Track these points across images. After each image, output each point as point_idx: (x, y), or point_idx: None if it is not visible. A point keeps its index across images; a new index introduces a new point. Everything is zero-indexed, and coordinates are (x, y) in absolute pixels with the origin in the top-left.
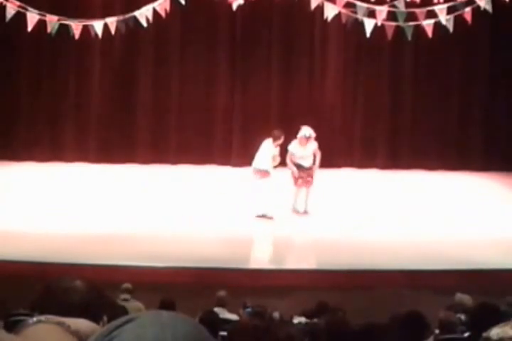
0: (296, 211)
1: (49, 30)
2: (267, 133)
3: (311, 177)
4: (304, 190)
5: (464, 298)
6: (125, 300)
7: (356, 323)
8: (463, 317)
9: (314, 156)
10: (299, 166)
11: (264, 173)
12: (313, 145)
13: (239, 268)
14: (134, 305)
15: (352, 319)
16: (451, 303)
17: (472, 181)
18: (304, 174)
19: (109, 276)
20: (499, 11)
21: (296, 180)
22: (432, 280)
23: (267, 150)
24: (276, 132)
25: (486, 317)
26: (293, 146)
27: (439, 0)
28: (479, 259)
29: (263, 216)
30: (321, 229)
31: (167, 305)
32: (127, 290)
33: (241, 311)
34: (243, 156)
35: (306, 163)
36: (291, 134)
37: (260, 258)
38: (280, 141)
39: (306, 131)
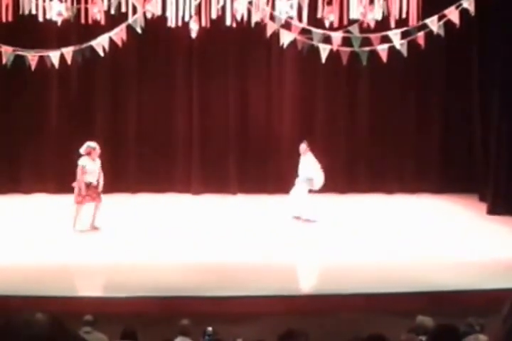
0: None
1: (4, 61)
2: (225, 160)
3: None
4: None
5: (425, 320)
6: (87, 332)
7: None
8: (424, 339)
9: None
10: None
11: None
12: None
13: (202, 296)
14: (96, 337)
15: None
16: (413, 326)
17: (430, 203)
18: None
19: (70, 308)
20: (453, 35)
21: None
22: (394, 303)
23: (313, 160)
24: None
25: (445, 338)
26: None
27: (394, 25)
28: (439, 281)
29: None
30: (283, 254)
31: (129, 336)
32: (89, 323)
33: (201, 339)
34: (203, 184)
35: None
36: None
37: (223, 285)
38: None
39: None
